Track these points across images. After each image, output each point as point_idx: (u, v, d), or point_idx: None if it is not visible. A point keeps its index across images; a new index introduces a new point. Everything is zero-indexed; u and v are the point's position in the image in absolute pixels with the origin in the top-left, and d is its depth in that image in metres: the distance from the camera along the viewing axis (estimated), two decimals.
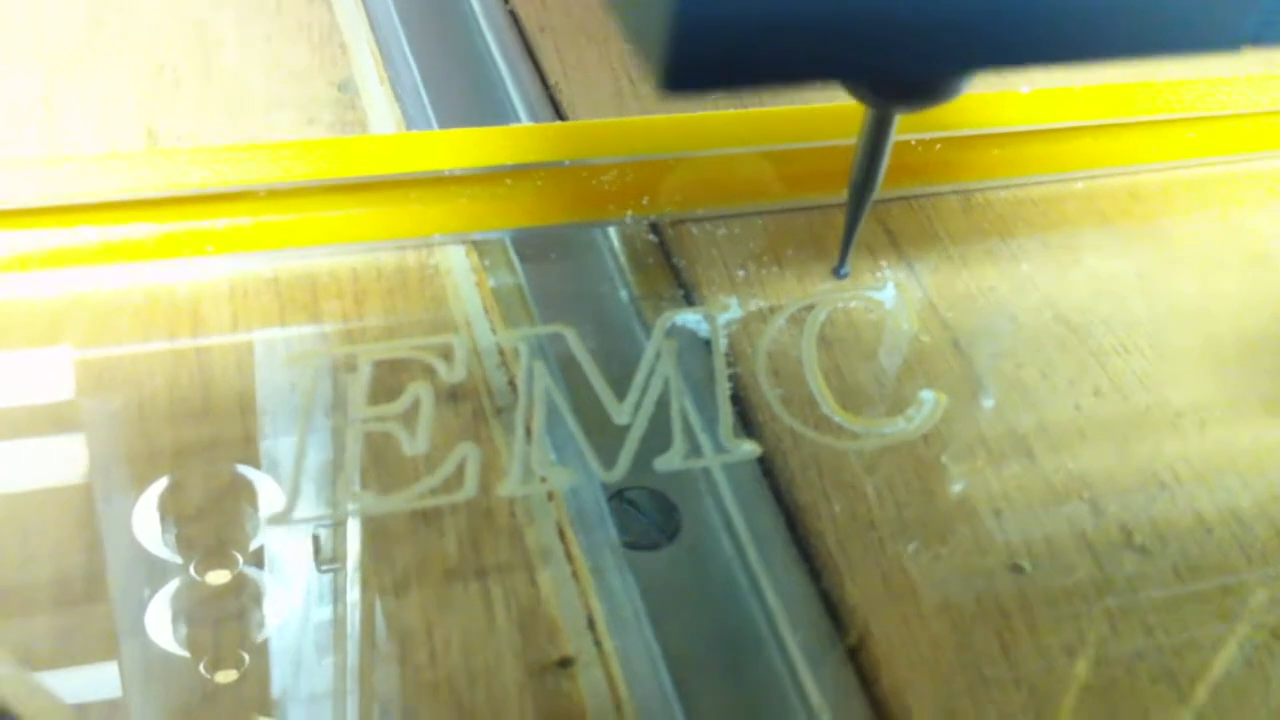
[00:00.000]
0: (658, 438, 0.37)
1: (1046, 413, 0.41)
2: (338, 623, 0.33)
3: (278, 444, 0.36)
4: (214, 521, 0.35)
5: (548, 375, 0.37)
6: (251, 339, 0.40)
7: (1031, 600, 0.36)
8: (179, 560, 0.34)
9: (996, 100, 0.47)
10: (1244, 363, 0.43)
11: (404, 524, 0.36)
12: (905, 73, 0.30)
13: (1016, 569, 0.37)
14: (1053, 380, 0.42)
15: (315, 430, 0.36)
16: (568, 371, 0.39)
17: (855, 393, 0.40)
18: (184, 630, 0.33)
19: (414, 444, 0.36)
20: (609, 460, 0.36)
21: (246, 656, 0.33)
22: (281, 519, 0.34)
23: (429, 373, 0.38)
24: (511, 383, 0.39)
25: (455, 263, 0.43)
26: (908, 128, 0.45)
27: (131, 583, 0.34)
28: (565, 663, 0.34)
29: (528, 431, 0.37)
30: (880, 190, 0.45)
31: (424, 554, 0.35)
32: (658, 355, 0.38)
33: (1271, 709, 0.35)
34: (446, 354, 0.38)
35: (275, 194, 0.41)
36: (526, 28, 0.57)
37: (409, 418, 0.37)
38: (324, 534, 0.35)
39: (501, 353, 0.40)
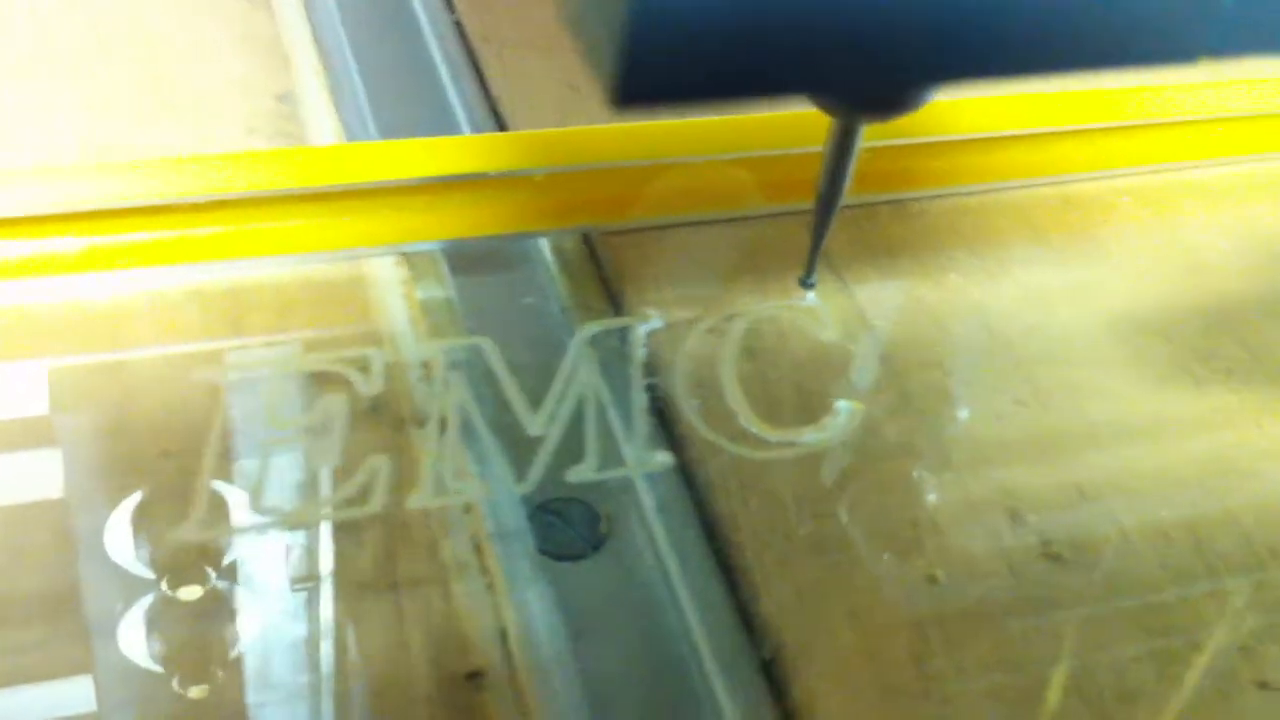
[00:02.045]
0: (572, 449, 0.37)
1: (969, 422, 0.41)
2: (310, 640, 0.33)
3: (194, 459, 0.36)
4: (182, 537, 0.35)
5: (464, 387, 0.37)
6: (172, 353, 0.40)
7: (946, 611, 0.36)
8: (152, 576, 0.34)
9: (929, 110, 0.47)
10: (1170, 373, 0.43)
11: (319, 536, 0.36)
12: (869, 85, 0.30)
13: (932, 580, 0.37)
14: (976, 389, 0.42)
15: (228, 444, 0.36)
16: (486, 383, 0.39)
17: (777, 403, 0.40)
18: (157, 645, 0.33)
19: (325, 457, 0.36)
20: (521, 472, 0.36)
21: (220, 672, 0.33)
22: (188, 534, 0.34)
23: (346, 386, 0.38)
24: (443, 396, 0.39)
25: (384, 275, 0.43)
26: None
27: (106, 598, 0.34)
28: (475, 676, 0.34)
29: (440, 444, 0.37)
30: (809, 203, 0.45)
31: (339, 566, 0.35)
32: (575, 367, 0.38)
33: (1182, 719, 0.35)
34: (364, 367, 0.38)
35: (199, 207, 0.41)
36: (471, 38, 0.57)
37: (322, 431, 0.37)
38: (297, 549, 0.35)
39: (426, 365, 0.40)
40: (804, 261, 0.44)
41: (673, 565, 0.37)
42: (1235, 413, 0.42)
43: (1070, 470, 0.40)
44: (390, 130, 0.51)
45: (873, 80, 0.27)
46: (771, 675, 0.35)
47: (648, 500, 0.38)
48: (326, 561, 0.35)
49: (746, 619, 0.36)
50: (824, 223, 0.38)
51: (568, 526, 0.38)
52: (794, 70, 0.25)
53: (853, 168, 0.37)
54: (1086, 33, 0.26)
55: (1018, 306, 0.44)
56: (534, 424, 0.37)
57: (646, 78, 0.24)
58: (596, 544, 0.37)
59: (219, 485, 0.36)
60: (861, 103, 0.34)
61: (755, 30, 0.24)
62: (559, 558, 0.37)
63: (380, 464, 0.36)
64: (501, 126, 0.52)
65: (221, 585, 0.34)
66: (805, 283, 0.43)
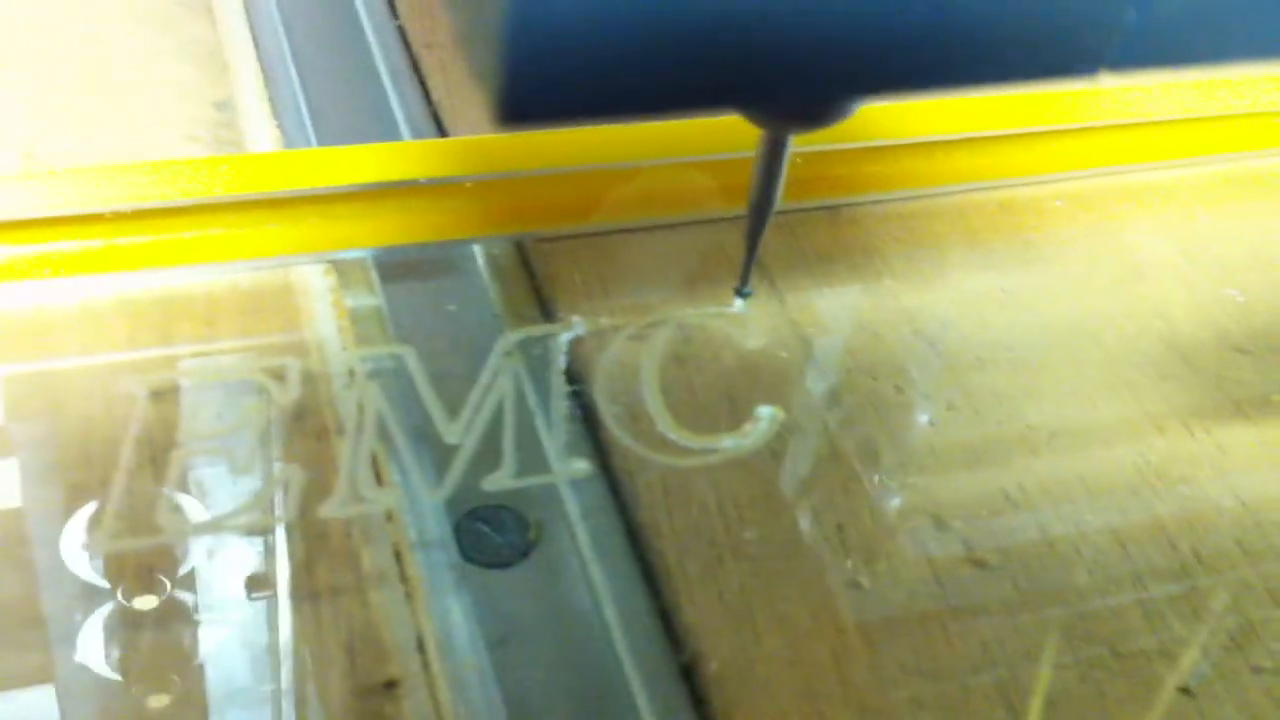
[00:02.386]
0: (491, 457, 0.37)
1: (898, 428, 0.41)
2: (271, 648, 0.33)
3: (111, 469, 0.36)
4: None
5: (383, 396, 0.37)
6: (98, 362, 0.40)
7: (868, 617, 0.36)
8: (107, 586, 0.34)
9: (864, 115, 0.47)
10: (1103, 378, 0.43)
11: (235, 546, 0.36)
12: (765, 99, 0.30)
13: (856, 585, 0.37)
14: (907, 395, 0.42)
15: (145, 454, 0.36)
16: (407, 392, 0.39)
17: (699, 410, 0.40)
18: (115, 654, 0.33)
19: (239, 466, 0.36)
20: (436, 480, 0.36)
21: (177, 679, 0.32)
22: (99, 543, 0.34)
23: (264, 395, 0.38)
24: (360, 404, 0.39)
25: (312, 283, 0.43)
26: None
27: (64, 608, 0.34)
28: (391, 685, 0.34)
29: (355, 453, 0.36)
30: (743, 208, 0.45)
31: (255, 576, 0.35)
32: (495, 375, 0.38)
33: None
34: (281, 376, 0.38)
35: (127, 215, 0.41)
36: (414, 45, 0.57)
37: (239, 440, 0.37)
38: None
39: (352, 374, 0.40)
40: (736, 268, 0.44)
41: (596, 572, 0.37)
42: (1166, 418, 0.42)
43: (998, 476, 0.40)
44: (330, 137, 0.51)
45: (768, 95, 0.27)
46: (692, 681, 0.35)
47: (574, 508, 0.38)
48: (242, 571, 0.35)
49: (668, 626, 0.36)
50: (757, 232, 0.38)
51: (497, 534, 0.38)
52: (683, 86, 0.25)
53: (783, 177, 0.37)
54: (993, 47, 0.26)
55: (951, 312, 0.44)
56: (451, 432, 0.37)
57: (532, 94, 0.23)
58: (525, 551, 0.37)
59: (135, 494, 0.36)
60: (786, 114, 0.34)
61: (637, 48, 0.23)
62: (487, 566, 0.37)
63: (295, 473, 0.36)
64: (443, 133, 0.51)
65: (133, 595, 0.34)
66: (741, 292, 0.43)
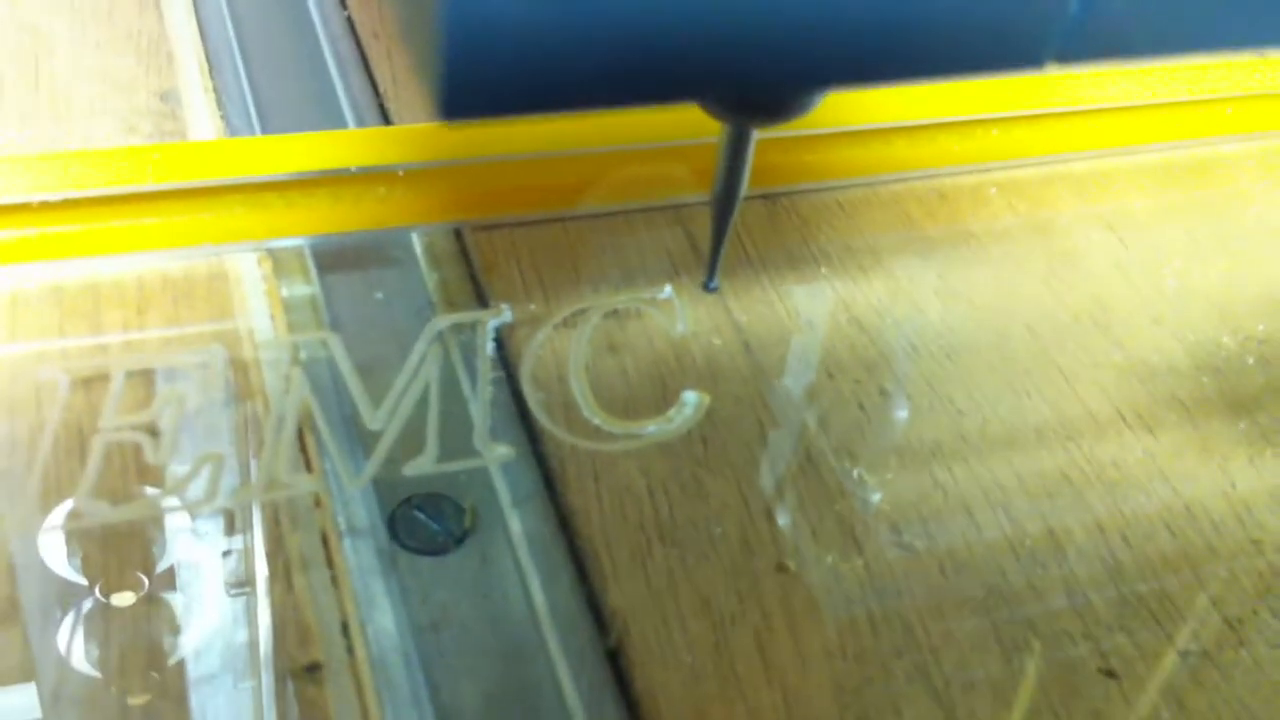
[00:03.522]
0: (414, 443, 0.37)
1: (829, 412, 0.41)
2: (251, 645, 0.33)
3: (31, 455, 0.36)
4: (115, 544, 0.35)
5: (306, 382, 0.37)
6: (26, 351, 0.39)
7: (793, 600, 0.36)
8: (84, 584, 0.34)
9: None
10: (1036, 365, 0.43)
11: (162, 532, 0.36)
12: (721, 92, 0.30)
13: (782, 569, 0.37)
14: (839, 380, 0.42)
15: (71, 442, 0.36)
16: (331, 379, 0.39)
17: (625, 396, 0.40)
18: (95, 652, 0.33)
19: (159, 453, 0.36)
20: (360, 465, 0.36)
21: (159, 681, 0.32)
22: (18, 528, 0.34)
23: (187, 382, 0.38)
24: (285, 390, 0.39)
25: (245, 272, 0.43)
26: (709, 131, 0.45)
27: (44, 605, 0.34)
28: (313, 668, 0.34)
29: (278, 439, 0.36)
30: (685, 196, 0.46)
31: (181, 562, 0.35)
32: (422, 360, 0.38)
33: (1027, 709, 0.35)
34: (207, 364, 0.38)
35: (58, 204, 0.41)
36: (362, 35, 0.57)
37: (159, 425, 0.37)
38: (234, 554, 0.35)
39: (275, 362, 0.40)
40: (675, 257, 0.44)
41: (526, 558, 0.37)
42: (1098, 405, 0.42)
43: (928, 463, 0.40)
44: (276, 129, 0.51)
45: (713, 89, 0.27)
46: (617, 666, 0.35)
47: (505, 494, 0.38)
48: (169, 557, 0.35)
49: (595, 610, 0.36)
50: (722, 227, 0.39)
51: (433, 521, 0.38)
52: (629, 80, 0.25)
53: (747, 171, 0.37)
54: (939, 38, 0.26)
55: (886, 300, 0.45)
56: (375, 418, 0.37)
57: (473, 88, 0.23)
58: (460, 538, 0.37)
59: (59, 482, 0.36)
60: (749, 108, 0.34)
61: (582, 41, 0.23)
62: (419, 552, 0.37)
63: (215, 459, 0.36)
64: (388, 124, 0.51)
65: (57, 582, 0.34)
66: (708, 286, 0.43)
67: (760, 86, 0.28)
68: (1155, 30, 0.28)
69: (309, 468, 0.37)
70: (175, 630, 0.34)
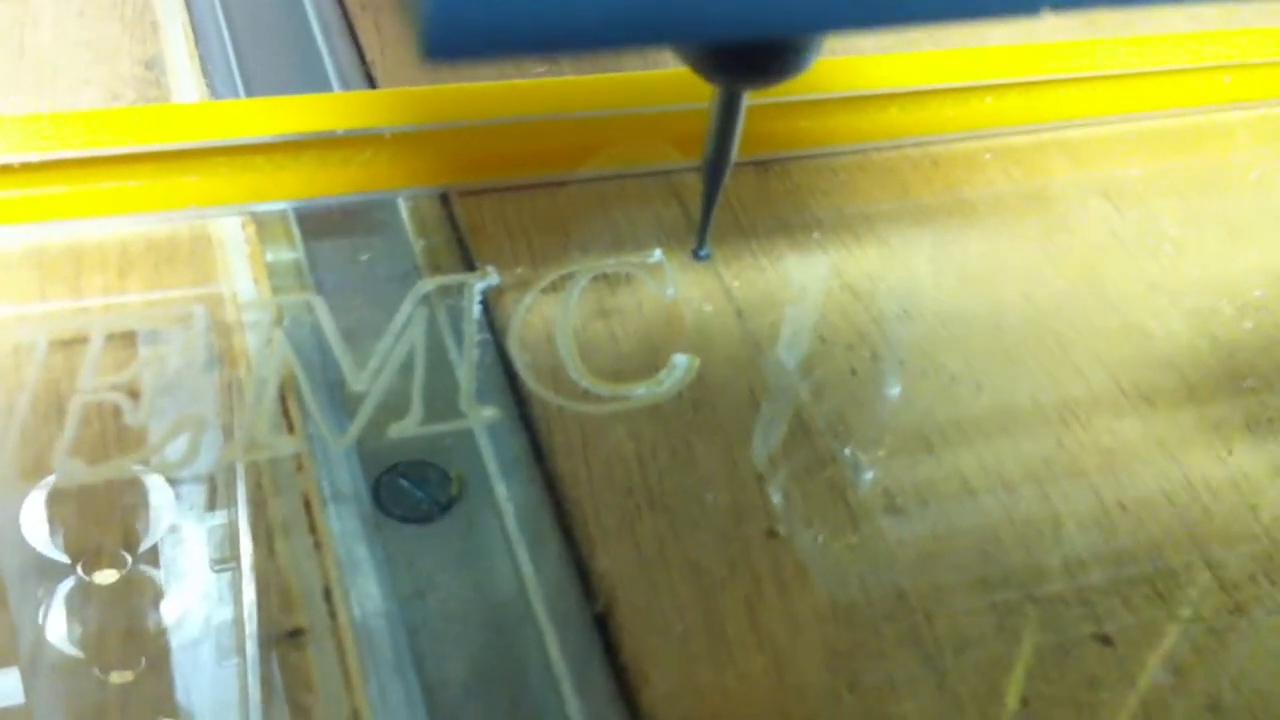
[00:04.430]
0: (399, 405, 0.37)
1: (820, 377, 0.40)
2: (236, 621, 0.33)
3: (8, 420, 0.36)
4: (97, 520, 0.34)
5: (289, 345, 0.36)
6: (5, 314, 0.39)
7: (783, 565, 0.36)
8: (66, 560, 0.33)
9: None
10: (1030, 331, 0.43)
11: (143, 494, 0.35)
12: (715, 39, 0.29)
13: (771, 534, 0.36)
14: (831, 345, 0.41)
15: (48, 404, 0.36)
16: (315, 341, 0.38)
17: (614, 359, 0.40)
18: (78, 631, 0.32)
19: (138, 415, 0.35)
20: (341, 428, 0.36)
21: (143, 658, 0.32)
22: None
23: (168, 344, 0.38)
24: (266, 351, 0.38)
25: (228, 235, 0.42)
26: (702, 96, 0.45)
27: (25, 583, 0.33)
28: (295, 634, 0.33)
29: (259, 401, 0.36)
30: (676, 162, 0.45)
31: (161, 525, 0.35)
32: (407, 323, 0.37)
33: (1020, 673, 0.34)
34: (188, 324, 0.37)
35: (39, 165, 0.40)
36: (348, 3, 0.56)
37: (139, 387, 0.36)
38: (218, 527, 0.34)
39: (256, 323, 0.39)
40: (664, 222, 0.44)
41: (513, 524, 0.36)
42: (1092, 370, 0.42)
43: (921, 426, 0.39)
44: (261, 96, 0.50)
45: (715, 33, 0.26)
46: (605, 631, 0.34)
47: (492, 460, 0.37)
48: (152, 521, 0.34)
49: (583, 576, 0.35)
50: (712, 194, 0.38)
51: (417, 489, 0.37)
52: (621, 18, 0.24)
53: (738, 136, 0.36)
54: None
55: (879, 265, 0.44)
56: (359, 380, 0.36)
57: (459, 27, 0.22)
58: (446, 506, 0.37)
59: (35, 444, 0.35)
60: (739, 68, 0.33)
61: None
62: (404, 520, 0.36)
63: (194, 420, 0.35)
64: None
65: (32, 547, 0.33)
66: (698, 254, 0.43)
67: (749, 30, 0.28)
68: None
69: (291, 430, 0.36)
70: (158, 605, 0.33)
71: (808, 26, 0.28)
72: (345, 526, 0.36)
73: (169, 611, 0.33)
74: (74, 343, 0.38)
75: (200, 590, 0.33)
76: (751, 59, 0.32)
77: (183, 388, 0.37)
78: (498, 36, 0.23)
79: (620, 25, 0.24)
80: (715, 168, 0.37)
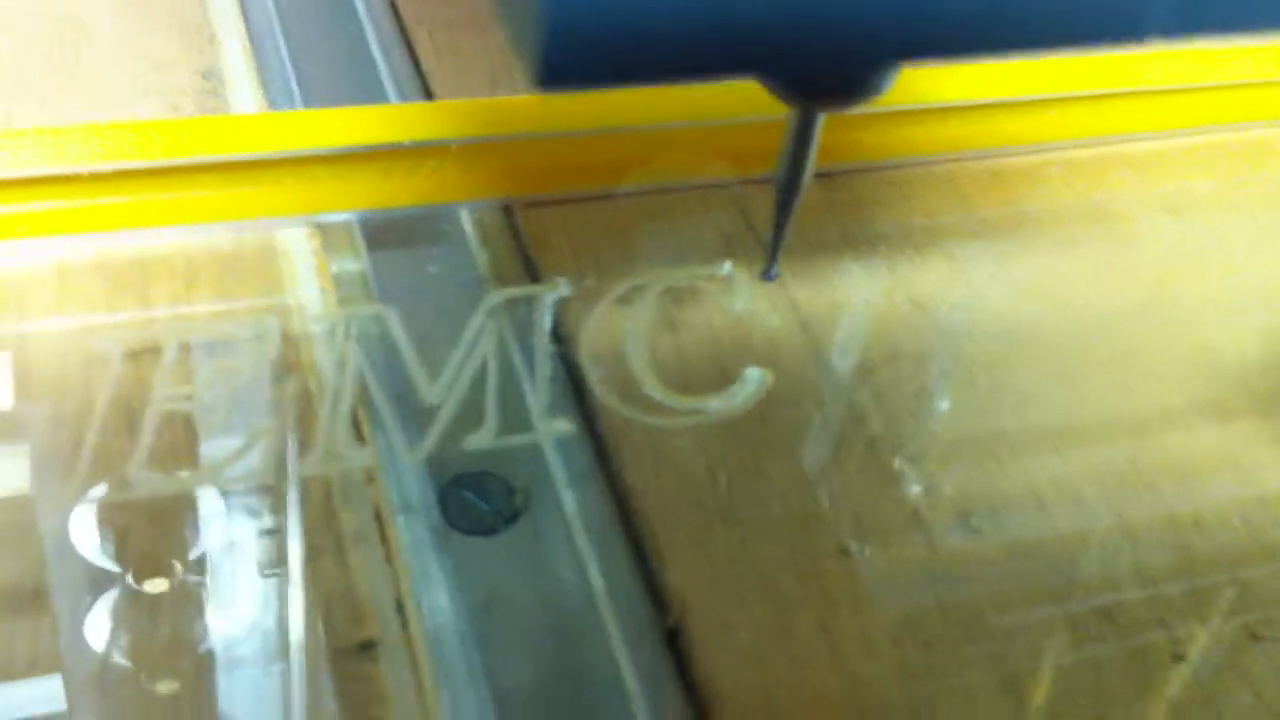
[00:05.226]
0: (472, 417, 0.37)
1: (888, 395, 0.40)
2: (280, 625, 0.33)
3: (85, 429, 0.36)
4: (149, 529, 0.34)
5: (362, 356, 0.36)
6: (76, 324, 0.39)
7: (857, 584, 0.35)
8: (117, 569, 0.33)
9: None
10: (1097, 343, 0.42)
11: (217, 505, 0.35)
12: (809, 66, 0.29)
13: (844, 552, 0.36)
14: (898, 363, 0.41)
15: (122, 415, 0.36)
16: (387, 353, 0.38)
17: (686, 372, 0.39)
18: (125, 639, 0.32)
19: (211, 427, 0.35)
20: (415, 439, 0.36)
21: (188, 666, 0.32)
22: (71, 500, 0.33)
23: (237, 355, 0.37)
24: (339, 364, 0.38)
25: (295, 246, 0.42)
26: (762, 109, 0.44)
27: (74, 592, 0.33)
28: (368, 645, 0.33)
29: (334, 412, 0.36)
30: (739, 175, 0.45)
31: (236, 536, 0.35)
32: (479, 335, 0.37)
33: (1099, 695, 0.34)
34: (261, 336, 0.37)
35: (107, 176, 0.40)
36: (404, 15, 0.56)
37: (211, 399, 0.36)
38: (269, 535, 0.34)
39: (329, 335, 0.39)
40: (728, 234, 0.43)
41: (582, 537, 0.36)
42: (1164, 390, 0.41)
43: (992, 444, 0.39)
44: (318, 107, 0.50)
45: (812, 61, 0.26)
46: (676, 647, 0.34)
47: (559, 472, 0.37)
48: (224, 531, 0.34)
49: (652, 591, 0.35)
50: (785, 214, 0.37)
51: (483, 501, 0.37)
52: (727, 51, 0.24)
53: (813, 158, 0.36)
54: (1035, 11, 0.25)
55: (944, 280, 0.44)
56: (432, 393, 0.36)
57: (568, 57, 0.23)
58: (510, 519, 0.37)
59: (108, 454, 0.35)
60: (818, 90, 0.33)
61: (685, 11, 0.23)
62: (469, 532, 0.36)
63: (277, 434, 0.35)
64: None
65: (108, 558, 0.33)
66: (768, 274, 0.42)
67: (849, 58, 0.27)
68: (1260, 3, 0.27)
69: (362, 442, 0.36)
70: (207, 615, 0.33)
71: (909, 55, 0.27)
72: (415, 538, 0.35)
73: (217, 620, 0.33)
74: (144, 353, 0.37)
75: (250, 598, 0.33)
76: (832, 81, 0.32)
77: (254, 399, 0.36)
78: (605, 65, 0.24)
79: (722, 53, 0.24)
80: (788, 189, 0.36)
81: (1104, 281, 0.45)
